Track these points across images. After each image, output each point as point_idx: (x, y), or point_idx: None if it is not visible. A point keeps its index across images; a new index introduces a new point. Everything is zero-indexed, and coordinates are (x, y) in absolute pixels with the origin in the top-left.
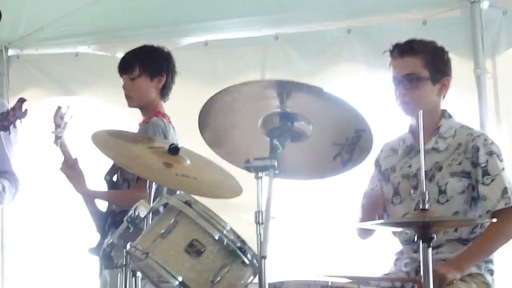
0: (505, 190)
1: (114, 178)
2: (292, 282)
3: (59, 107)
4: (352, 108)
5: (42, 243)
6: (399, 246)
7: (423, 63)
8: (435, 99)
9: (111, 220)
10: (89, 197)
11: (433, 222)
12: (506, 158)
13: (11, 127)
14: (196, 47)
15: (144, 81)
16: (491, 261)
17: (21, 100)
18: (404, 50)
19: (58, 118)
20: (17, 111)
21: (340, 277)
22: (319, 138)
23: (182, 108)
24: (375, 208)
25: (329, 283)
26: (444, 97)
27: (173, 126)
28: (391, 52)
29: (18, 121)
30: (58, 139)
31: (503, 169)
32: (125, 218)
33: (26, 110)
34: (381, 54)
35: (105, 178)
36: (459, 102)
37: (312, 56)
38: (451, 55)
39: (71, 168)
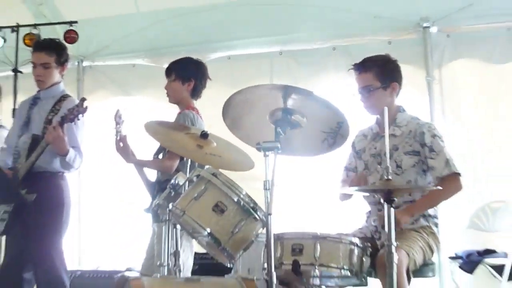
0: (447, 162)
1: (160, 155)
2: (290, 233)
3: (118, 110)
4: (334, 107)
5: (111, 206)
6: (367, 207)
7: (374, 75)
8: (389, 99)
9: (158, 187)
10: (137, 164)
11: (395, 189)
12: (448, 141)
13: (76, 119)
14: (221, 60)
15: (178, 84)
16: (436, 217)
17: (83, 99)
18: (360, 68)
19: (117, 118)
20: (80, 108)
21: None
22: (311, 127)
23: (210, 106)
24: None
25: (318, 233)
26: (397, 95)
27: (200, 117)
28: (354, 69)
29: (80, 115)
30: (118, 132)
31: (444, 146)
32: (168, 185)
33: (86, 107)
34: None
35: (153, 156)
36: (415, 101)
37: (306, 66)
38: (408, 67)
39: (124, 149)
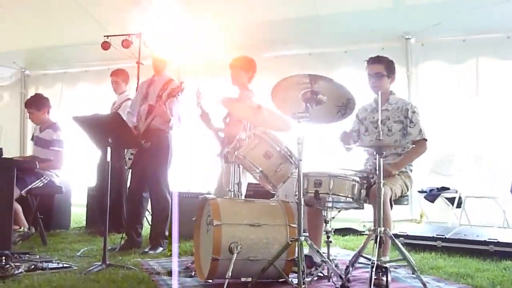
0: (420, 131)
1: (227, 120)
2: (313, 172)
3: (198, 88)
4: (345, 88)
5: (196, 151)
6: (366, 155)
7: (383, 67)
8: (388, 85)
9: (227, 140)
10: (215, 131)
11: (384, 145)
12: (420, 112)
13: (177, 95)
14: (272, 58)
15: (241, 72)
16: (411, 165)
17: (182, 82)
18: (375, 60)
19: (198, 93)
20: (179, 87)
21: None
22: (329, 102)
23: (265, 89)
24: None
25: (332, 173)
26: (392, 83)
27: (254, 94)
28: (368, 61)
29: (180, 93)
30: (198, 103)
31: (419, 120)
32: (235, 139)
33: (184, 87)
34: (362, 64)
35: (223, 119)
36: (400, 87)
37: (327, 64)
38: (396, 65)
39: (205, 116)
